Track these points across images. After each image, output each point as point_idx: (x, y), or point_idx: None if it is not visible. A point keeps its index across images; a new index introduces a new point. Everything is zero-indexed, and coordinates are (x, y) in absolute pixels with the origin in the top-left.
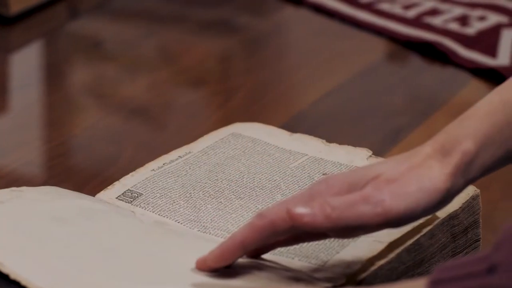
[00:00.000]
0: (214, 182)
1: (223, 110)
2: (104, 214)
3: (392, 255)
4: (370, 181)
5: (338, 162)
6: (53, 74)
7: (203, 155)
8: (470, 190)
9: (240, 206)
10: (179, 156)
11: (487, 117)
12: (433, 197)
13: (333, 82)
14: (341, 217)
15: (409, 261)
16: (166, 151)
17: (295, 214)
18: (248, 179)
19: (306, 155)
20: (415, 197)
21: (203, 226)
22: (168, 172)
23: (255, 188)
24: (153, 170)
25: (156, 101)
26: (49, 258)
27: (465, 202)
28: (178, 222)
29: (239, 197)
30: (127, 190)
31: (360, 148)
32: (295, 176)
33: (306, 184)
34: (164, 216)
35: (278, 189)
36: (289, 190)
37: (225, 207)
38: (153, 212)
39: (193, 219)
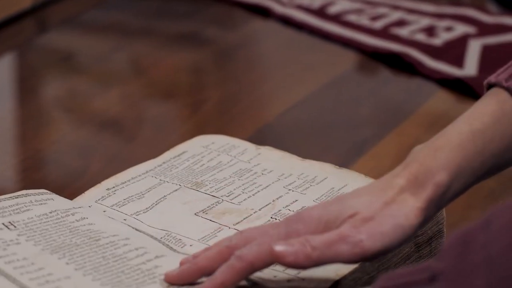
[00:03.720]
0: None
1: (191, 122)
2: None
3: (355, 265)
4: (346, 219)
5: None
6: (24, 88)
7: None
8: None
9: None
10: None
11: (459, 149)
12: (408, 232)
13: (301, 94)
14: (321, 257)
15: (373, 271)
16: (135, 163)
17: (278, 253)
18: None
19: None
20: (391, 236)
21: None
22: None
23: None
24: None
25: (126, 114)
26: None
27: None
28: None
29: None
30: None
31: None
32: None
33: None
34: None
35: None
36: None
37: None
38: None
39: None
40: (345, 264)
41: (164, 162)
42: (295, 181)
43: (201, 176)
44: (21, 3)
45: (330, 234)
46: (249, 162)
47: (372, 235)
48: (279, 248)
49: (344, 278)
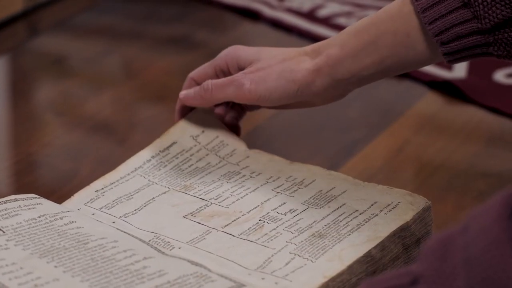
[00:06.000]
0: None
1: None
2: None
3: (343, 267)
4: (248, 65)
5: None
6: (15, 91)
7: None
8: (421, 202)
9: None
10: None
11: (355, 33)
12: (292, 87)
13: None
14: (213, 96)
15: (362, 273)
16: None
17: (181, 98)
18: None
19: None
20: (274, 85)
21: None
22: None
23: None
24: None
25: (117, 117)
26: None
27: (416, 213)
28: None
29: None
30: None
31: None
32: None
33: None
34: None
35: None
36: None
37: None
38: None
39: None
40: (332, 266)
41: (153, 157)
42: (283, 184)
43: (189, 179)
44: (12, 7)
45: (225, 78)
46: (237, 165)
47: (255, 81)
48: (181, 94)
49: (332, 280)
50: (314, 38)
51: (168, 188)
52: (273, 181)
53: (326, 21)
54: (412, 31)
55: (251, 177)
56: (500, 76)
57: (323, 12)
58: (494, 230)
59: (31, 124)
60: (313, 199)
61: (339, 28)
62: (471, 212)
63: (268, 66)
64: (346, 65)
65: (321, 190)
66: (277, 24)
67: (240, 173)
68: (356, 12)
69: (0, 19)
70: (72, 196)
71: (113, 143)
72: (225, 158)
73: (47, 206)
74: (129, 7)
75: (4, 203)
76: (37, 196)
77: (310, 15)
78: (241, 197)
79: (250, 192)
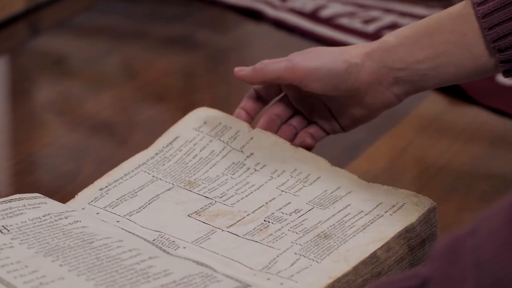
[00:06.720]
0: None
1: None
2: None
3: (348, 268)
4: None
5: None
6: (16, 91)
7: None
8: (427, 203)
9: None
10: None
11: (413, 26)
12: (339, 65)
13: None
14: (265, 69)
15: (367, 274)
16: None
17: (235, 70)
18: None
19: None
20: (320, 62)
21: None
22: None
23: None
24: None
25: (118, 117)
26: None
27: (422, 214)
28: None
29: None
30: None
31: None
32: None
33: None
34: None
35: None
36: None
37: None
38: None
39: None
40: (337, 267)
41: (156, 153)
42: (288, 180)
43: (194, 174)
44: (14, 6)
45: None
46: (241, 152)
47: (305, 58)
48: (236, 70)
49: (337, 280)
50: (316, 38)
51: (173, 184)
52: (278, 176)
53: (329, 22)
54: (470, 32)
55: (255, 170)
56: (503, 77)
57: (325, 13)
58: (503, 232)
59: (32, 124)
60: (318, 199)
61: (341, 28)
62: (479, 215)
63: (320, 49)
64: (399, 53)
65: (326, 190)
66: (279, 24)
67: (244, 165)
68: (358, 12)
69: (1, 19)
70: (76, 195)
71: (114, 143)
72: (229, 143)
73: (51, 205)
74: (130, 7)
75: (9, 202)
76: (42, 195)
77: (312, 15)
78: (246, 196)
79: (255, 190)
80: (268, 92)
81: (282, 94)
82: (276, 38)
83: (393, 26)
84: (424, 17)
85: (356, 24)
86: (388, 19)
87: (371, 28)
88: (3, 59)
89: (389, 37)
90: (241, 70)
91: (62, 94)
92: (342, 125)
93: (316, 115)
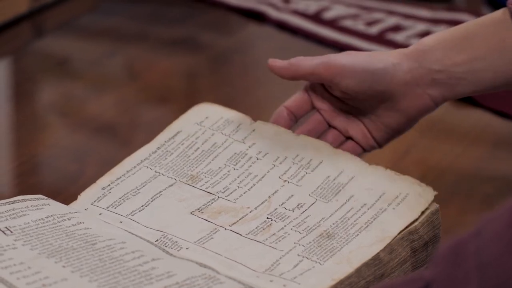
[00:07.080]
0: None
1: None
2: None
3: (351, 270)
4: None
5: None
6: (19, 92)
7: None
8: (430, 194)
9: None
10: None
11: (452, 30)
12: (375, 63)
13: None
14: (300, 64)
15: (370, 276)
16: None
17: (269, 64)
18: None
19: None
20: (358, 58)
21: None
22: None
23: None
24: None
25: (121, 118)
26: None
27: (425, 217)
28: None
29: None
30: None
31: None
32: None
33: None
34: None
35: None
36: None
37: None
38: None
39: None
40: (340, 269)
41: (158, 148)
42: (290, 168)
43: (196, 167)
44: (17, 8)
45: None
46: (243, 142)
47: (342, 55)
48: (270, 60)
49: (340, 282)
50: (320, 40)
51: (175, 179)
52: (280, 163)
53: (332, 24)
54: (509, 38)
55: (257, 159)
56: None
57: (329, 14)
58: (507, 235)
59: (35, 125)
60: (320, 189)
61: (345, 30)
62: (482, 217)
63: (357, 51)
64: (437, 54)
65: (328, 176)
66: (282, 26)
67: (246, 154)
68: (362, 14)
69: (5, 20)
70: (78, 196)
71: (117, 145)
72: (231, 135)
73: (54, 206)
74: (133, 8)
75: (12, 203)
76: (45, 197)
77: (316, 17)
78: (248, 189)
79: (257, 182)
80: (299, 107)
81: (314, 111)
82: (279, 40)
83: (396, 28)
84: (427, 19)
85: (360, 26)
86: (391, 21)
87: (374, 30)
88: (7, 61)
89: (427, 39)
90: (275, 62)
91: (65, 96)
92: (377, 139)
93: (350, 130)
